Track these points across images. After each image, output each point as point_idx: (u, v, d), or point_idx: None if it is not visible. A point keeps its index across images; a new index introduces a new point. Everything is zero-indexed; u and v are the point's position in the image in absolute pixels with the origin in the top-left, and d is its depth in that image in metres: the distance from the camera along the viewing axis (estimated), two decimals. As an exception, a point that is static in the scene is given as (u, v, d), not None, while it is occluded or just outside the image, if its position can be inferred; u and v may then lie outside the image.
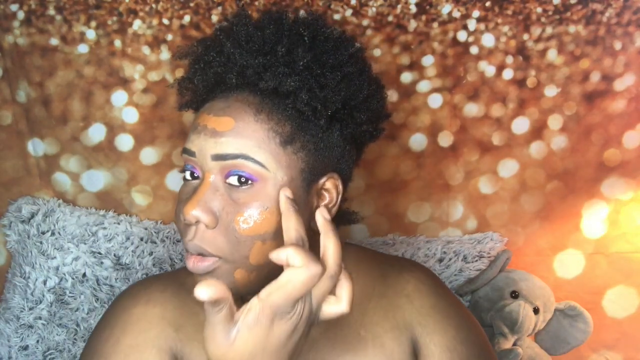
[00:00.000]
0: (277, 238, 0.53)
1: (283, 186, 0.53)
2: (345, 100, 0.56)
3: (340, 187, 0.58)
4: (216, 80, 0.57)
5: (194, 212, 0.51)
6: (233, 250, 0.53)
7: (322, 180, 0.57)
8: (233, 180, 0.53)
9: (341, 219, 0.63)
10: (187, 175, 0.56)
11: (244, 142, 0.52)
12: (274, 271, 0.45)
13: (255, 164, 0.52)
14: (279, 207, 0.52)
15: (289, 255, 0.43)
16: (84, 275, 1.12)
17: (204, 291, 0.41)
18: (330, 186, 0.58)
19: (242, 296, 0.54)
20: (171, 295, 0.63)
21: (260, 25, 0.56)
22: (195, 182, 0.56)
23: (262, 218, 0.52)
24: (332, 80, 0.55)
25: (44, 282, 1.11)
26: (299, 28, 0.56)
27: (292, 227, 0.48)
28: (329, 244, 0.47)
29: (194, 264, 0.53)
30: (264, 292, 0.43)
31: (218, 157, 0.53)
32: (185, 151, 0.55)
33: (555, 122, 1.20)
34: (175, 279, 0.66)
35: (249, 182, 0.52)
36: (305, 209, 0.55)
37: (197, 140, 0.54)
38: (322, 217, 0.50)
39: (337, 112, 0.56)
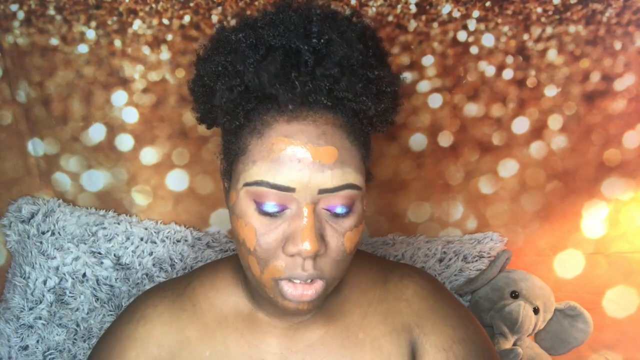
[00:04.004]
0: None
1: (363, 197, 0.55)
2: None
3: None
4: (302, 99, 0.51)
5: (316, 247, 0.51)
6: (338, 269, 0.55)
7: None
8: (341, 210, 0.53)
9: None
10: (270, 209, 0.52)
11: (347, 170, 0.52)
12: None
13: (357, 190, 0.53)
14: (363, 220, 0.55)
15: None
16: (84, 275, 1.12)
17: None
18: None
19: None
20: (164, 310, 0.65)
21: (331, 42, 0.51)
22: (288, 213, 0.52)
23: (358, 234, 0.55)
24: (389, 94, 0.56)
25: (44, 282, 1.11)
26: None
27: None
28: None
29: (303, 292, 0.52)
30: None
31: (326, 191, 0.51)
32: (275, 187, 0.50)
33: (555, 122, 1.19)
34: (176, 289, 0.67)
35: (351, 207, 0.54)
36: None
37: (299, 175, 0.50)
38: None
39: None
